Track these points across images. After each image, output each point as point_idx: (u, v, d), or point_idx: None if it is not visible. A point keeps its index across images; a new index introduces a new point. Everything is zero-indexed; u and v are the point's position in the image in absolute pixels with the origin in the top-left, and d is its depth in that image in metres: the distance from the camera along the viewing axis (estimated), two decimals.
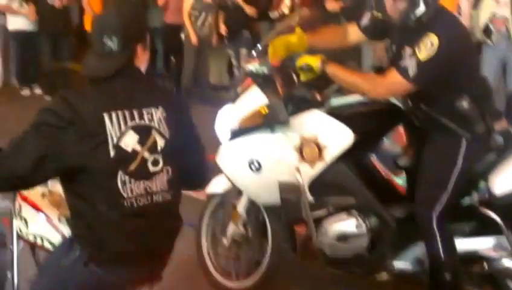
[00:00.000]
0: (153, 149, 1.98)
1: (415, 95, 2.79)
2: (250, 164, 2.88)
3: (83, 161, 1.90)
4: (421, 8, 2.61)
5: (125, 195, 1.94)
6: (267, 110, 2.80)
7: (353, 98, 2.92)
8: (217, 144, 3.71)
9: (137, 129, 1.96)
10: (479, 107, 2.74)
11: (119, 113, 1.95)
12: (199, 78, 7.87)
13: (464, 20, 6.40)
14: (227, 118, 3.07)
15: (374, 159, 2.86)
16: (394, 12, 2.68)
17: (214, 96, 7.90)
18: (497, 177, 2.77)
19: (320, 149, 2.78)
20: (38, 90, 8.33)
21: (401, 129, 2.92)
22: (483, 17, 6.15)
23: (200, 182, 2.41)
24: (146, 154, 1.97)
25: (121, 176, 1.93)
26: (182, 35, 7.79)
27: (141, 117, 1.98)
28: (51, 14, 7.85)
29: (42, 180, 2.01)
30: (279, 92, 2.83)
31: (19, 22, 7.97)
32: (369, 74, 3.05)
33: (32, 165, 1.87)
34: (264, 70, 2.88)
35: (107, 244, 1.97)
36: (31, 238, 2.37)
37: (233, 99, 3.07)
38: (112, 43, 1.96)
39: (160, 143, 2.00)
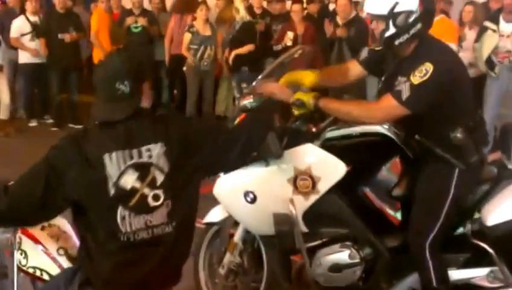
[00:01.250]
0: (152, 185, 2.08)
1: (410, 126, 2.86)
2: (246, 195, 2.96)
3: (83, 198, 2.04)
4: (391, 31, 2.68)
5: (123, 229, 2.04)
6: None
7: (347, 131, 3.00)
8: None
9: (136, 167, 2.06)
10: (472, 138, 2.79)
11: (120, 153, 2.06)
12: (204, 110, 7.96)
13: (467, 52, 6.54)
14: None
15: (367, 190, 2.95)
16: (377, 40, 2.80)
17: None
18: (489, 208, 2.83)
19: (313, 181, 2.86)
20: (45, 121, 8.46)
21: (395, 161, 3.01)
22: (486, 49, 6.26)
23: (233, 167, 2.70)
24: (146, 190, 2.07)
25: (120, 212, 2.04)
26: (184, 68, 7.93)
27: (140, 156, 2.08)
28: (61, 49, 8.01)
29: (51, 215, 2.19)
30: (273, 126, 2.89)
31: (30, 55, 8.13)
32: (363, 101, 3.17)
33: (39, 204, 2.03)
34: (258, 105, 2.96)
35: (104, 274, 2.06)
36: (31, 270, 2.47)
37: None
38: (124, 88, 2.07)
39: (160, 178, 2.09)
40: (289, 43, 7.05)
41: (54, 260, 2.45)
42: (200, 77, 7.79)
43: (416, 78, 2.65)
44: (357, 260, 2.89)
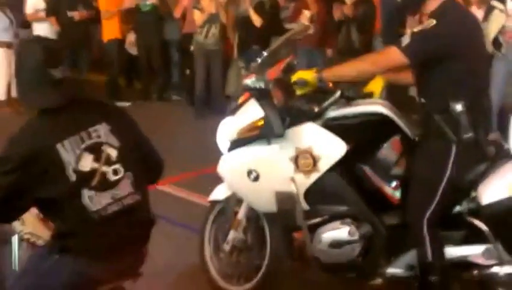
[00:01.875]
0: (108, 161, 2.25)
1: (419, 87, 2.96)
2: (249, 173, 3.04)
3: (46, 192, 2.14)
4: None
5: (94, 208, 2.19)
6: (262, 123, 2.96)
7: (348, 111, 3.06)
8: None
9: (89, 149, 2.21)
10: (471, 116, 2.82)
11: (71, 139, 2.18)
12: (213, 89, 7.99)
13: None
14: (227, 130, 3.23)
15: (367, 169, 3.00)
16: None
17: (228, 107, 8.29)
18: (484, 187, 2.88)
19: (314, 160, 2.93)
20: None
21: (395, 141, 3.05)
22: (493, 29, 6.26)
23: (158, 177, 2.65)
24: (104, 168, 2.23)
25: (86, 193, 2.18)
26: (192, 47, 7.96)
27: (90, 137, 2.22)
28: (70, 27, 8.17)
29: (17, 214, 2.27)
30: (275, 105, 2.97)
31: (44, 29, 8.19)
32: (366, 55, 3.23)
33: (2, 206, 2.14)
34: (261, 84, 3.02)
35: (82, 245, 2.19)
36: (27, 236, 2.57)
37: (233, 111, 3.24)
38: (57, 72, 2.20)
39: (113, 154, 2.26)
40: (305, 22, 7.03)
41: (49, 226, 2.51)
42: (207, 56, 7.77)
43: (418, 28, 2.80)
44: (356, 237, 2.95)
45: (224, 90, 8.27)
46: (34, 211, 2.43)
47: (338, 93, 3.00)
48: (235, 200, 3.28)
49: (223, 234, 3.38)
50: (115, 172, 2.25)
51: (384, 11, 7.31)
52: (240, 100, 3.21)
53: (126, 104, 8.47)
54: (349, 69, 2.98)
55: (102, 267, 2.23)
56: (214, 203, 3.45)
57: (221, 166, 3.21)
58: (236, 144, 3.14)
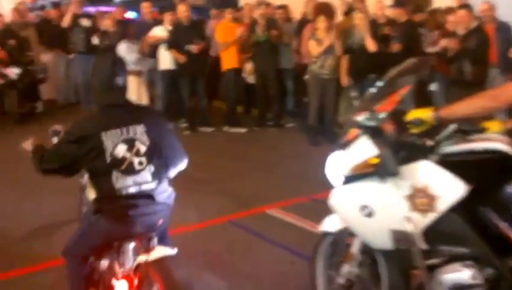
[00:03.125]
0: (137, 154, 2.87)
1: None
2: (362, 209, 2.87)
3: (89, 165, 2.86)
4: None
5: (118, 186, 2.84)
6: (376, 161, 2.80)
7: (465, 147, 2.81)
8: None
9: (125, 141, 2.85)
10: None
11: (113, 131, 2.85)
12: (326, 118, 7.89)
13: None
14: (338, 164, 3.11)
15: (489, 211, 2.72)
16: None
17: (340, 135, 8.09)
18: None
19: (431, 199, 2.71)
20: (179, 125, 8.72)
21: None
22: None
23: (177, 168, 3.17)
24: (132, 158, 2.86)
25: (115, 174, 2.83)
26: (306, 76, 7.93)
27: (128, 133, 2.87)
28: (189, 58, 8.26)
29: (74, 174, 3.00)
30: (389, 144, 2.82)
31: (167, 60, 8.51)
32: (483, 93, 2.92)
33: (60, 166, 2.88)
34: (373, 123, 2.89)
35: (111, 211, 2.85)
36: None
37: (342, 146, 3.10)
38: (121, 80, 2.93)
39: (142, 149, 2.88)
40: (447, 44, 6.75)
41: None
42: (322, 85, 7.71)
43: None
44: (480, 281, 2.68)
45: (337, 118, 8.14)
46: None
47: (452, 126, 2.78)
48: (347, 233, 3.12)
49: (335, 266, 3.23)
50: (140, 163, 2.87)
51: (500, 42, 6.94)
52: (349, 136, 3.06)
53: (243, 130, 8.69)
54: (467, 107, 2.74)
55: (121, 230, 2.88)
56: (326, 234, 3.30)
57: (333, 199, 3.06)
58: (349, 179, 2.99)
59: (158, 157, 2.91)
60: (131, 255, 2.92)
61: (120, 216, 2.84)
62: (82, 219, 3.27)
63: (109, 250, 2.99)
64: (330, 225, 3.24)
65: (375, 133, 2.90)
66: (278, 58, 8.66)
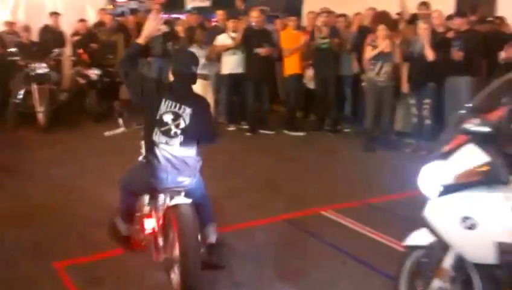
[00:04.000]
0: (177, 126, 3.50)
1: None
2: (464, 220, 2.57)
3: (148, 113, 3.57)
4: None
5: (155, 139, 3.50)
6: (486, 169, 2.54)
7: None
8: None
9: (173, 113, 3.50)
10: None
11: (170, 102, 3.50)
12: (382, 125, 7.66)
13: None
14: (438, 173, 2.79)
15: None
16: None
17: (397, 143, 7.73)
18: None
19: None
20: (241, 127, 8.81)
21: None
22: None
23: (206, 144, 3.75)
24: (172, 126, 3.50)
25: (156, 130, 3.50)
26: (363, 83, 7.75)
27: (179, 108, 3.51)
28: (257, 62, 8.28)
29: (131, 85, 3.68)
30: (501, 151, 2.56)
31: (232, 63, 8.57)
32: None
33: (136, 83, 3.61)
34: (486, 128, 2.64)
35: (151, 162, 3.54)
36: None
37: (442, 156, 2.84)
38: (195, 69, 3.59)
39: (181, 125, 3.50)
40: None
41: None
42: (379, 92, 7.46)
43: None
44: None
45: (393, 126, 7.98)
46: None
47: None
48: (441, 247, 2.77)
49: (423, 282, 2.89)
50: (175, 133, 3.50)
51: None
52: (452, 145, 2.82)
53: (301, 133, 8.53)
54: None
55: (156, 182, 3.53)
56: (412, 248, 2.98)
57: (428, 210, 2.78)
58: (451, 188, 2.69)
59: (189, 133, 3.50)
60: (161, 202, 3.57)
61: (155, 171, 3.49)
62: (136, 163, 3.81)
63: (146, 193, 3.72)
64: (419, 239, 2.91)
65: (485, 140, 2.64)
66: (338, 66, 8.45)
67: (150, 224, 3.68)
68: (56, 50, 9.21)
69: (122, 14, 12.04)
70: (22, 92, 8.65)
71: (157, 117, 3.47)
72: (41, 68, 8.67)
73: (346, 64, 8.53)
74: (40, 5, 10.64)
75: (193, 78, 3.58)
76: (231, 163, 6.91)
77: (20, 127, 8.69)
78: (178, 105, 3.49)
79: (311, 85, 8.96)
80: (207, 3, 18.04)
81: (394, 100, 7.74)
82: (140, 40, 3.72)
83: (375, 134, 7.70)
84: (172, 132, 3.48)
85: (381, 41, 7.37)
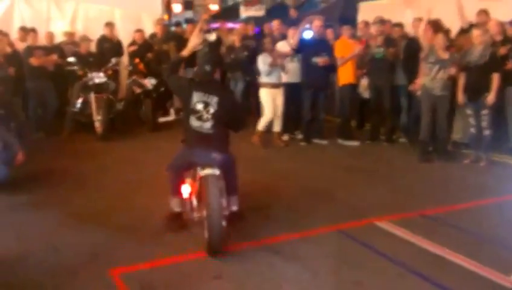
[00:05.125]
0: (207, 112, 4.47)
1: None
2: None
3: (185, 108, 4.60)
4: None
5: (191, 124, 4.49)
6: None
7: None
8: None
9: (203, 102, 4.49)
10: None
11: (200, 93, 4.48)
12: (438, 135, 7.51)
13: None
14: None
15: None
16: None
17: (455, 153, 7.65)
18: None
19: None
20: (295, 136, 8.88)
21: None
22: None
23: (235, 130, 4.76)
24: (203, 113, 4.48)
25: (191, 116, 4.48)
26: (418, 92, 7.60)
27: (207, 98, 4.48)
28: (314, 71, 8.29)
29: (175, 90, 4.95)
30: None
31: (290, 76, 8.61)
32: None
33: (175, 83, 4.77)
34: None
35: (189, 144, 4.62)
36: None
37: None
38: (208, 68, 4.55)
39: (211, 111, 4.47)
40: None
41: None
42: (434, 102, 7.34)
43: None
44: None
45: (450, 136, 7.85)
46: None
47: None
48: None
49: None
50: (207, 118, 4.48)
51: None
52: None
53: (355, 143, 8.53)
54: None
55: (193, 159, 4.52)
56: None
57: None
58: None
59: (218, 118, 4.47)
60: (197, 174, 4.44)
61: (193, 149, 4.50)
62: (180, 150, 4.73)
63: (187, 169, 4.64)
64: None
65: None
66: (393, 75, 8.38)
67: (187, 190, 4.62)
68: (113, 60, 9.48)
69: (178, 24, 12.31)
70: (79, 101, 9.00)
71: (191, 106, 4.47)
72: (99, 78, 8.99)
73: (401, 74, 8.47)
74: (98, 16, 11.03)
75: (207, 74, 4.57)
76: (284, 172, 6.99)
77: (78, 135, 9.03)
78: (206, 95, 4.47)
79: (366, 94, 8.93)
80: (261, 13, 18.27)
81: (450, 110, 7.61)
82: (185, 52, 4.77)
83: (431, 144, 7.61)
84: (204, 117, 4.47)
85: (439, 51, 7.30)
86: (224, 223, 4.29)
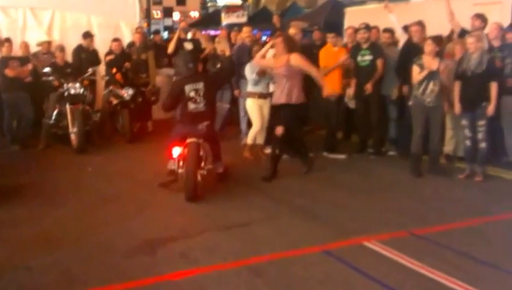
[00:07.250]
0: (198, 95, 6.29)
1: None
2: None
3: (181, 98, 6.36)
4: None
5: (189, 108, 6.28)
6: None
7: None
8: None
9: (194, 89, 6.29)
10: None
11: (189, 84, 6.29)
12: (431, 147, 7.32)
13: None
14: None
15: None
16: None
17: (447, 167, 7.50)
18: None
19: None
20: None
21: None
22: None
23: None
24: (196, 97, 6.29)
25: (189, 103, 6.27)
26: (410, 102, 7.40)
27: (196, 85, 6.30)
28: None
29: (175, 106, 6.66)
30: None
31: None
32: None
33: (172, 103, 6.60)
34: None
35: (185, 121, 6.39)
36: None
37: None
38: (191, 65, 6.43)
39: (201, 93, 6.29)
40: None
41: None
42: (426, 113, 7.15)
43: None
44: None
45: (442, 148, 7.62)
46: None
47: None
48: None
49: None
50: (200, 100, 6.27)
51: None
52: None
53: (341, 156, 8.30)
54: None
55: (187, 131, 6.26)
56: None
57: None
58: None
59: (208, 98, 6.29)
60: (186, 141, 6.15)
61: (187, 124, 6.23)
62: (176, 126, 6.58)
63: (182, 138, 6.25)
64: None
65: None
66: (380, 84, 8.20)
67: (177, 152, 6.28)
68: (90, 69, 9.32)
69: (157, 32, 12.10)
70: (55, 112, 8.84)
71: (187, 95, 6.20)
72: (75, 88, 8.76)
73: (390, 83, 8.24)
74: (75, 24, 10.80)
75: (191, 70, 6.41)
76: (268, 187, 6.77)
77: (54, 148, 8.87)
78: (194, 84, 6.25)
79: (352, 104, 8.71)
80: (243, 20, 18.13)
81: (443, 121, 7.42)
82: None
83: (422, 157, 7.38)
84: (198, 100, 6.25)
85: (426, 58, 7.10)
86: (199, 178, 6.10)
